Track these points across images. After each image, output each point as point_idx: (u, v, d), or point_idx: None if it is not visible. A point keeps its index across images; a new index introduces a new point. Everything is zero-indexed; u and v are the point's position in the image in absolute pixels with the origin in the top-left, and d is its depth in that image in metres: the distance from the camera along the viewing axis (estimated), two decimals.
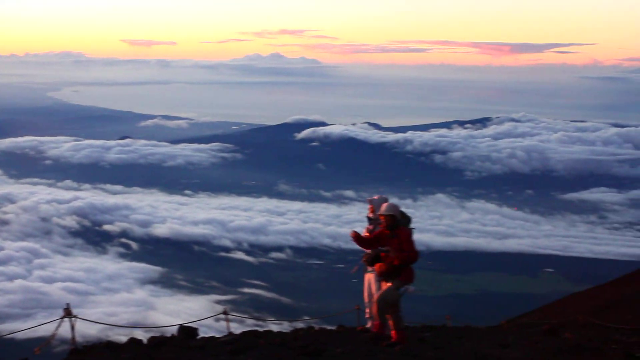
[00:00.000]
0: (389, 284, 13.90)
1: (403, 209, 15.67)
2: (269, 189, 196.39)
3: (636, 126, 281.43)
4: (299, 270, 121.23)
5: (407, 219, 15.34)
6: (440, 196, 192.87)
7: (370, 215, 15.23)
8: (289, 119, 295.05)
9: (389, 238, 13.84)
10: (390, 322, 14.08)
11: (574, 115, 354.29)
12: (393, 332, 14.11)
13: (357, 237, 13.78)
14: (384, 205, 14.13)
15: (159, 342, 13.03)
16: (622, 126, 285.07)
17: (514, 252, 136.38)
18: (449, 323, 25.79)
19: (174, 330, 14.60)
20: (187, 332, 14.08)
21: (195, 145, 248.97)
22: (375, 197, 15.31)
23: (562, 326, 27.25)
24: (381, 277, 13.95)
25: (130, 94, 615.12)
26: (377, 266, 14.04)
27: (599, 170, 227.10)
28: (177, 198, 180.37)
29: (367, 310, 15.43)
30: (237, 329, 16.23)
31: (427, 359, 12.31)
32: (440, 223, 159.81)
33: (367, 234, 14.20)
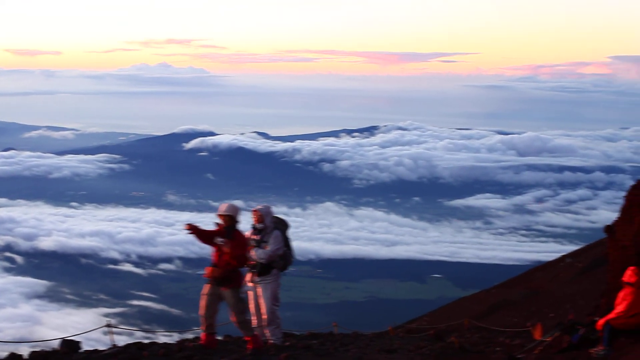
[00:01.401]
0: (226, 292, 13.52)
1: (281, 216, 15.75)
2: (157, 199, 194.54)
3: (519, 133, 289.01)
4: (188, 281, 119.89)
5: (284, 225, 15.38)
6: (328, 204, 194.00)
7: (256, 224, 14.93)
8: (177, 129, 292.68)
9: (226, 238, 13.51)
10: (245, 329, 13.77)
11: (459, 123, 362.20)
12: (247, 338, 13.83)
13: (193, 229, 13.33)
14: (224, 206, 13.79)
15: (41, 357, 12.42)
16: (506, 133, 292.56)
17: (403, 259, 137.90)
18: (336, 330, 25.59)
19: (56, 345, 13.97)
20: (69, 345, 13.41)
21: (82, 157, 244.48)
22: (260, 206, 15.01)
23: (448, 331, 27.37)
24: (216, 282, 13.55)
25: (14, 104, 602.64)
26: (209, 270, 13.66)
27: (484, 176, 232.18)
28: (63, 210, 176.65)
29: (254, 319, 15.11)
30: (125, 341, 15.62)
31: None
32: (329, 231, 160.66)
33: (208, 230, 13.75)
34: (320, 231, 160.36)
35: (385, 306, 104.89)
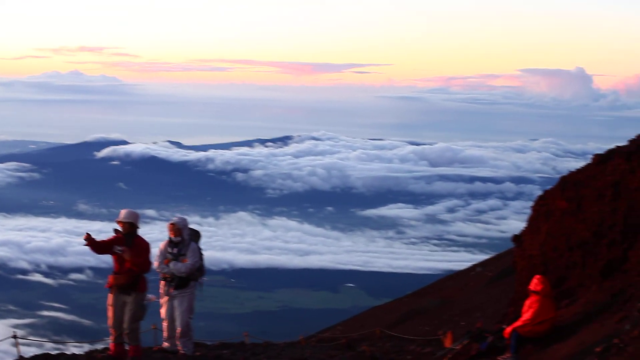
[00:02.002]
0: (129, 297, 13.50)
1: (193, 225, 15.59)
2: (68, 209, 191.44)
3: (431, 144, 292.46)
4: (99, 291, 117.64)
5: (197, 235, 15.31)
6: (242, 214, 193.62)
7: (173, 237, 14.83)
8: (89, 137, 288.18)
9: (126, 246, 13.48)
10: (132, 336, 13.74)
11: (372, 133, 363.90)
12: (131, 347, 13.80)
13: (90, 240, 13.26)
14: (123, 212, 13.76)
15: None
16: (418, 144, 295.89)
17: (316, 268, 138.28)
18: (247, 340, 25.57)
19: None
20: None
21: None
22: (176, 219, 14.92)
23: (360, 340, 27.58)
24: (119, 290, 13.52)
25: None
26: (111, 278, 13.64)
27: (397, 186, 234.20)
28: None
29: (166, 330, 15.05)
30: (34, 353, 15.37)
31: None
32: (242, 241, 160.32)
33: (104, 240, 13.63)
34: (233, 241, 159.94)
35: (298, 316, 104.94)
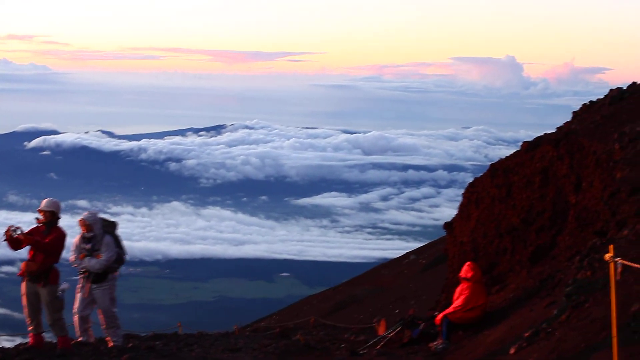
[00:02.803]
0: (42, 288, 13.39)
1: (105, 215, 15.30)
2: None
3: (364, 132, 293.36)
4: None
5: (112, 226, 14.96)
6: (175, 204, 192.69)
7: (85, 233, 14.59)
8: (19, 127, 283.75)
9: (44, 234, 13.37)
10: (56, 328, 13.62)
11: (305, 122, 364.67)
12: (59, 338, 13.69)
13: (10, 238, 13.16)
14: (45, 201, 13.61)
15: None
16: (351, 132, 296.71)
17: (251, 258, 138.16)
18: (181, 330, 25.51)
19: None
20: None
21: None
22: (86, 214, 14.69)
23: (294, 329, 27.65)
24: (32, 278, 13.40)
25: None
26: (24, 265, 13.51)
27: (330, 175, 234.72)
28: None
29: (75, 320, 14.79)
30: None
31: None
32: (176, 231, 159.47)
33: (22, 236, 13.45)
34: (167, 231, 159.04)
35: (234, 306, 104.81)
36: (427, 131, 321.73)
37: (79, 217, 14.48)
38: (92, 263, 14.33)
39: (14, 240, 13.10)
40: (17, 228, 13.08)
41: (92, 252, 14.37)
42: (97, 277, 14.42)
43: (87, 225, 14.35)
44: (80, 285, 14.63)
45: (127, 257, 15.36)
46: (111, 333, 14.71)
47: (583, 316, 10.60)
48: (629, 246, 11.48)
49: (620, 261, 8.14)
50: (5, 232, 13.05)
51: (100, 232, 14.50)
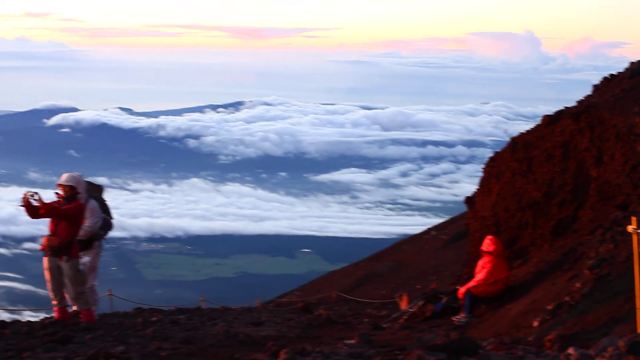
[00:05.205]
0: (64, 263, 13.41)
1: (90, 179, 14.69)
2: (18, 177, 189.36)
3: (383, 108, 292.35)
4: None
5: (98, 190, 14.56)
6: (195, 181, 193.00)
7: (64, 196, 14.02)
8: (39, 105, 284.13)
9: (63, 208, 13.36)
10: (80, 302, 13.68)
11: (324, 98, 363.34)
12: (82, 312, 13.74)
13: (28, 203, 13.11)
14: (65, 175, 13.49)
15: None
16: (370, 108, 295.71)
17: (272, 234, 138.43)
18: (204, 305, 25.68)
19: None
20: None
21: None
22: (66, 176, 13.87)
23: (316, 304, 27.79)
24: (53, 252, 13.41)
25: None
26: (46, 240, 13.49)
27: (349, 151, 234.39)
28: None
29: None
30: None
31: (178, 340, 12.03)
32: (196, 207, 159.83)
33: (40, 202, 13.31)
34: (187, 207, 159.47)
35: (255, 281, 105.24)
36: (445, 107, 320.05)
37: (58, 182, 13.57)
38: None
39: (32, 206, 13.08)
40: (35, 193, 13.00)
41: None
42: (81, 245, 13.82)
43: (67, 187, 13.43)
44: None
45: (119, 224, 14.88)
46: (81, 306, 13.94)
47: (606, 289, 10.66)
48: None
49: None
50: (23, 197, 13.04)
51: (84, 196, 13.79)
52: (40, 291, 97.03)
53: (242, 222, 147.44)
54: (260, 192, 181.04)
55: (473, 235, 18.86)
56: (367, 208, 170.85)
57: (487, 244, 14.35)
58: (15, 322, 14.21)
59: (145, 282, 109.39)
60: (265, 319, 18.47)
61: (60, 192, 13.39)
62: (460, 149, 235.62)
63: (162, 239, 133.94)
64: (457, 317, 14.19)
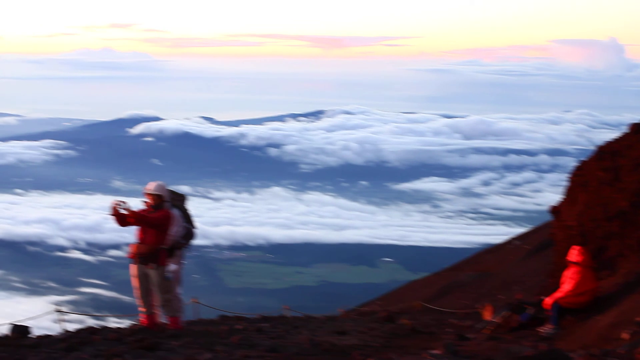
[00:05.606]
0: (152, 270, 13.56)
1: (173, 188, 14.57)
2: (103, 185, 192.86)
3: (464, 117, 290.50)
4: None
5: (181, 199, 14.41)
6: (276, 189, 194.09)
7: (152, 204, 14.14)
8: (123, 114, 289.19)
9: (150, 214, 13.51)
10: (167, 309, 13.82)
11: (404, 107, 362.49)
12: (169, 319, 13.89)
13: (117, 213, 13.31)
14: (152, 184, 13.65)
15: None
16: (451, 117, 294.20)
17: (353, 243, 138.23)
18: (288, 313, 25.78)
19: (5, 330, 13.93)
20: (19, 330, 13.41)
21: (26, 143, 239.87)
22: (153, 184, 13.68)
23: (399, 313, 27.68)
24: (141, 260, 13.58)
25: None
26: (134, 247, 13.66)
27: (430, 160, 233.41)
28: (8, 197, 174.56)
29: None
30: (76, 328, 15.65)
31: (264, 349, 12.13)
32: (278, 216, 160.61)
33: (129, 211, 13.44)
34: (268, 216, 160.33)
35: (336, 290, 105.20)
36: (528, 115, 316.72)
37: (145, 188, 13.89)
38: None
39: (121, 215, 13.37)
40: (124, 202, 13.30)
41: None
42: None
43: (154, 196, 13.72)
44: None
45: (199, 233, 14.82)
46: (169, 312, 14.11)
47: None
48: None
49: None
50: (112, 207, 13.34)
51: (168, 205, 13.89)
52: (125, 298, 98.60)
53: (323, 231, 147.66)
54: (342, 201, 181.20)
55: (558, 245, 18.63)
56: (449, 217, 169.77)
57: (575, 254, 14.18)
58: (104, 329, 14.49)
59: (227, 289, 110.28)
60: (348, 328, 18.44)
61: (148, 200, 13.66)
62: (543, 157, 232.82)
63: (244, 247, 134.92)
64: (544, 328, 14.04)
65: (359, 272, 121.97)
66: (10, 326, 13.66)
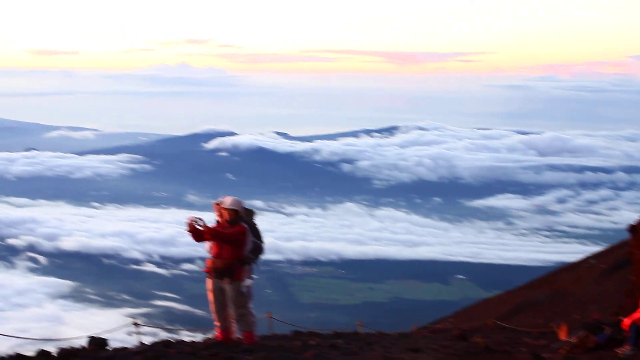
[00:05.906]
0: (228, 285, 13.65)
1: (244, 203, 14.44)
2: (178, 199, 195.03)
3: (539, 133, 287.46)
4: None
5: (250, 214, 14.38)
6: (349, 205, 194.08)
7: (219, 219, 14.41)
8: (198, 129, 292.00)
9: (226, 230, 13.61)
10: (242, 324, 13.90)
11: (478, 123, 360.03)
12: (244, 334, 13.97)
13: (193, 228, 13.47)
14: (229, 199, 13.78)
15: (69, 354, 12.65)
16: (526, 133, 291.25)
17: (425, 260, 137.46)
18: (361, 329, 25.76)
19: (83, 342, 14.22)
20: (96, 342, 13.69)
21: (103, 157, 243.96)
22: (228, 199, 13.89)
23: (472, 331, 27.48)
24: (217, 274, 13.68)
25: (34, 104, 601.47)
26: (210, 262, 13.78)
27: (505, 177, 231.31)
28: (85, 210, 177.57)
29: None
30: (150, 341, 15.89)
31: None
32: (350, 232, 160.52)
33: (204, 227, 13.59)
34: (341, 232, 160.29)
35: (409, 307, 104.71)
36: (604, 132, 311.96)
37: (220, 201, 14.12)
38: None
39: (197, 231, 13.56)
40: (200, 219, 13.52)
41: None
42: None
43: (232, 211, 13.86)
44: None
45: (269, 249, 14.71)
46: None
47: None
48: None
49: None
50: (189, 222, 13.56)
51: (238, 219, 13.92)
52: (197, 311, 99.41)
53: (396, 247, 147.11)
54: (414, 217, 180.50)
55: (636, 264, 18.38)
56: (523, 234, 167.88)
57: None
58: (179, 342, 14.69)
59: (299, 305, 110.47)
60: (422, 345, 18.38)
61: (220, 213, 13.85)
62: (620, 175, 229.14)
63: (316, 263, 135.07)
64: (622, 349, 13.84)
65: (432, 289, 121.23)
66: (88, 338, 13.95)
